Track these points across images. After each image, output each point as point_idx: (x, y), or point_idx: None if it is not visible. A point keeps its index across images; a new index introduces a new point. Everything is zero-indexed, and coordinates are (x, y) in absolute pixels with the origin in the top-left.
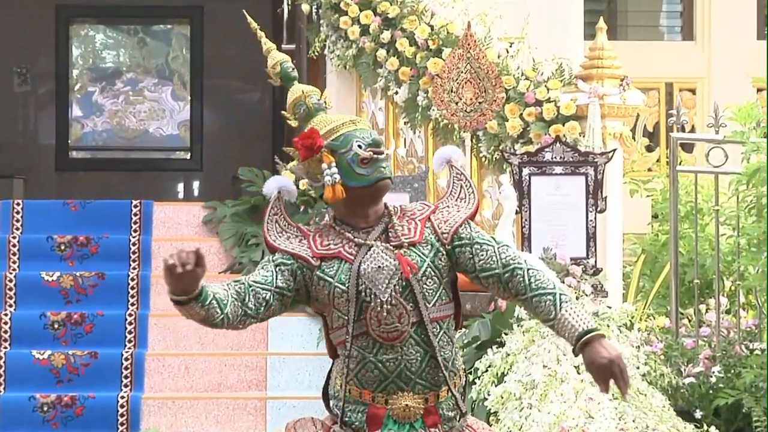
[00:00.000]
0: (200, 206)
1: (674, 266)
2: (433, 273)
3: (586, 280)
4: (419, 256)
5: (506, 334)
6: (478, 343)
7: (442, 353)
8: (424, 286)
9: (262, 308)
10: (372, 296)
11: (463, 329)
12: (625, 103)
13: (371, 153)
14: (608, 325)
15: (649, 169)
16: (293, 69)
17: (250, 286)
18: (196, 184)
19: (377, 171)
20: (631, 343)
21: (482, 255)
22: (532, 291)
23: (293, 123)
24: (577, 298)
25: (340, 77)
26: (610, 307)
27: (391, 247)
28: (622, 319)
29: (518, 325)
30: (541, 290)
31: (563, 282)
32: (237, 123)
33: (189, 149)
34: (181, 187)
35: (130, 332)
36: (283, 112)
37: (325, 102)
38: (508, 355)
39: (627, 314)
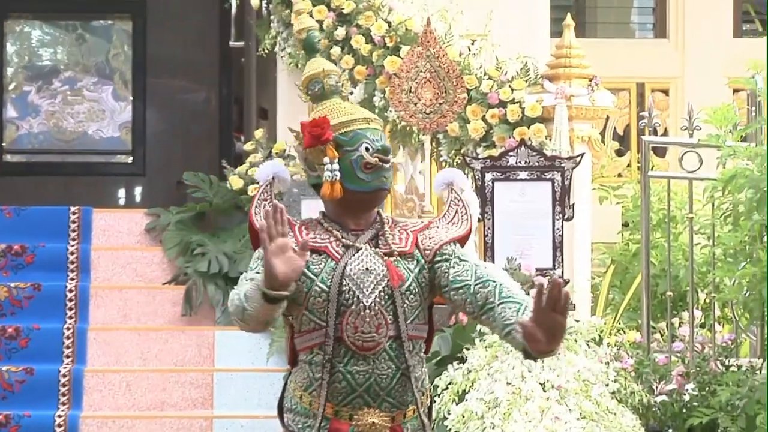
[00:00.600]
0: (143, 213)
1: (645, 277)
2: (416, 289)
3: None
4: (405, 270)
5: (468, 349)
6: (438, 358)
7: (414, 372)
8: (406, 301)
9: None
10: (354, 299)
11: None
12: (594, 105)
13: (377, 159)
14: (576, 340)
15: (619, 175)
16: (319, 41)
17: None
18: (138, 190)
19: (378, 179)
20: (600, 359)
21: (458, 268)
22: (500, 299)
23: (304, 99)
24: None
25: (292, 76)
26: (577, 321)
27: (381, 254)
28: (591, 333)
29: (480, 340)
30: (509, 299)
31: (528, 293)
32: (182, 124)
33: (131, 152)
34: (122, 192)
35: (68, 347)
36: (297, 84)
37: (342, 86)
38: (470, 371)
39: (596, 328)
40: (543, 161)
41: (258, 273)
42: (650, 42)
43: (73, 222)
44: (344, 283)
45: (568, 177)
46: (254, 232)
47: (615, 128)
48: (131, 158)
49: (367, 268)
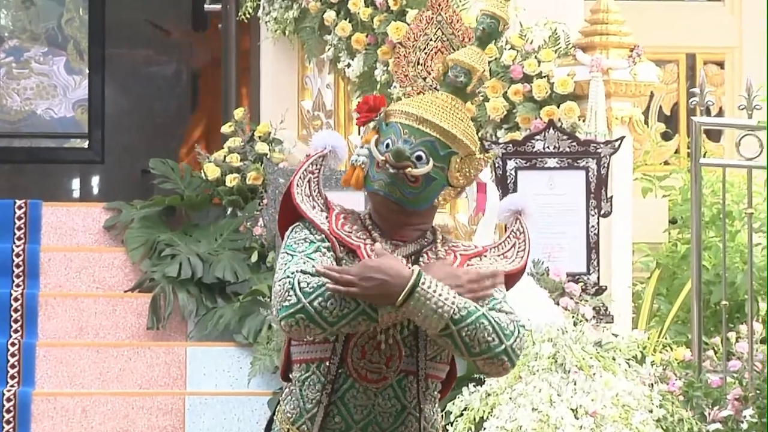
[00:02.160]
0: (101, 208)
1: (696, 284)
2: None
3: (586, 301)
4: None
5: None
6: None
7: (424, 413)
8: (428, 335)
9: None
10: (369, 319)
11: None
12: (636, 80)
13: (384, 160)
14: (614, 358)
15: (666, 163)
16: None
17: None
18: (95, 180)
19: (380, 182)
20: (642, 381)
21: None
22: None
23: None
24: (575, 324)
25: (278, 46)
26: (616, 336)
27: None
28: (632, 350)
29: None
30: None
31: (557, 304)
32: (148, 103)
33: (87, 136)
34: (77, 183)
35: (12, 366)
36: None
37: (468, 82)
38: (489, 395)
39: (637, 344)
40: (575, 146)
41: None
42: (703, 5)
43: (19, 218)
44: None
45: (605, 165)
46: (287, 210)
47: (660, 107)
48: (87, 143)
49: None
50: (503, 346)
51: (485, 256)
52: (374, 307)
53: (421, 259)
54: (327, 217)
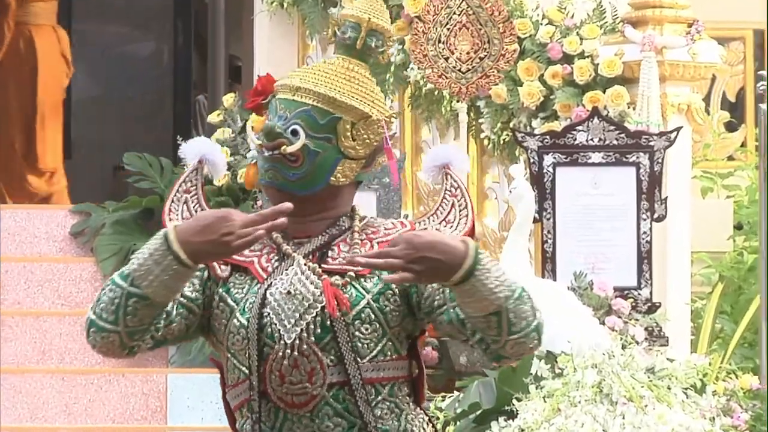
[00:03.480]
0: (67, 211)
1: (766, 300)
2: (372, 317)
3: (636, 320)
4: (356, 290)
5: (519, 399)
6: (479, 412)
7: (379, 426)
8: (357, 333)
9: (162, 321)
10: (276, 336)
11: (457, 392)
12: (695, 60)
13: (260, 144)
14: (669, 387)
15: (730, 158)
16: None
17: None
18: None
19: (267, 173)
20: (702, 413)
21: None
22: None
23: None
24: (623, 348)
25: (275, 20)
26: (672, 361)
27: (318, 269)
28: (690, 377)
29: (537, 387)
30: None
31: (603, 323)
32: (121, 88)
33: None
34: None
35: None
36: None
37: (356, 37)
38: (523, 430)
39: (697, 370)
40: (624, 138)
41: None
42: None
43: None
44: (265, 314)
45: (659, 160)
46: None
47: (724, 92)
48: None
49: (288, 291)
50: (537, 321)
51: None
52: (137, 282)
53: (330, 253)
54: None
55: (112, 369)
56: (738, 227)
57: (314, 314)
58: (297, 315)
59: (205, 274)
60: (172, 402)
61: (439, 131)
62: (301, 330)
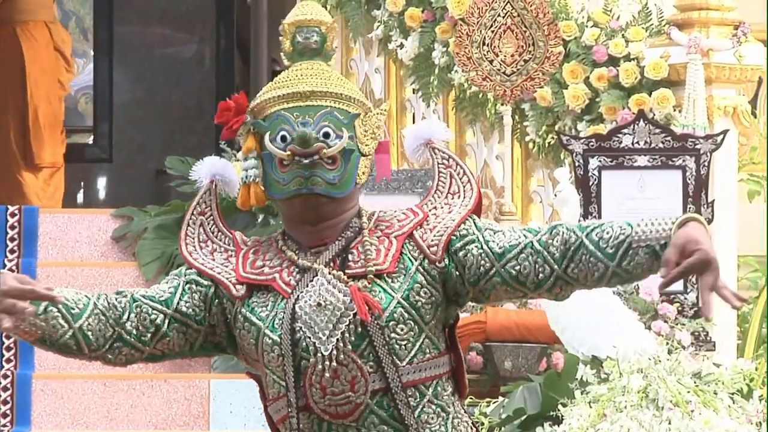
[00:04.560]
0: (109, 215)
1: None
2: (406, 315)
3: (683, 325)
4: (385, 291)
5: (564, 405)
6: (524, 418)
7: (431, 427)
8: (392, 335)
9: (150, 335)
10: (312, 349)
11: (502, 398)
12: (742, 63)
13: (290, 153)
14: (716, 392)
15: None
16: None
17: (135, 301)
18: (102, 182)
19: (295, 181)
20: (749, 419)
21: (498, 238)
22: (589, 228)
23: (286, 43)
24: (669, 353)
25: None
26: (718, 366)
27: (344, 277)
28: (737, 383)
29: (582, 392)
30: (601, 225)
31: (649, 328)
32: (164, 91)
33: (92, 130)
34: (80, 185)
35: (5, 402)
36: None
37: (324, 40)
38: None
39: (743, 375)
40: (670, 141)
41: (136, 289)
42: None
43: (12, 227)
44: (297, 329)
45: (706, 164)
46: (182, 256)
47: None
48: (92, 137)
49: (318, 303)
50: None
51: (432, 213)
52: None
53: (350, 257)
54: (232, 257)
55: (155, 375)
56: None
57: (347, 322)
58: (330, 326)
59: (210, 291)
60: (214, 407)
61: (483, 134)
62: (337, 340)
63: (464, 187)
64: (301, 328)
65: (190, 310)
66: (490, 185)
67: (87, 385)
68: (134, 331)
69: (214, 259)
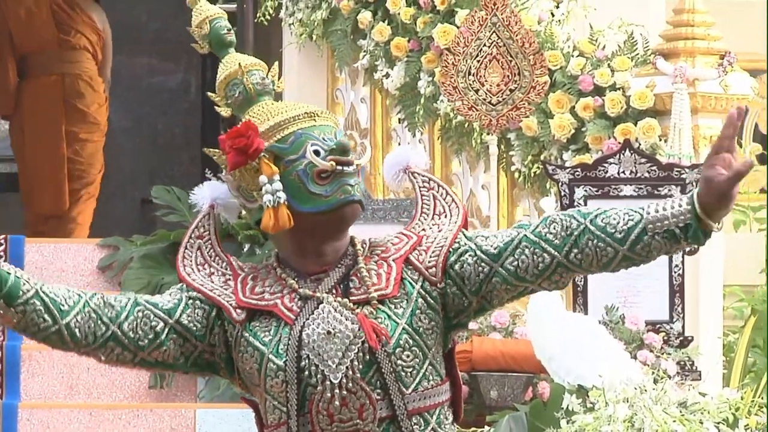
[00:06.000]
0: (95, 244)
1: None
2: (411, 342)
3: (669, 355)
4: (389, 318)
5: None
6: None
7: None
8: (399, 362)
9: (147, 341)
10: (320, 377)
11: (487, 427)
12: (727, 92)
13: (333, 163)
14: (701, 422)
15: (762, 191)
16: (229, 31)
17: (137, 304)
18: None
19: (341, 190)
20: None
21: (490, 241)
22: (592, 213)
23: (224, 111)
24: (655, 382)
25: (304, 52)
26: (704, 395)
27: (350, 304)
28: (723, 412)
29: (568, 422)
30: (605, 209)
31: (635, 357)
32: (149, 120)
33: None
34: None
35: None
36: (210, 94)
37: (273, 82)
38: None
39: (729, 405)
40: (656, 171)
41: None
42: None
43: None
44: (303, 356)
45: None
46: (180, 278)
47: (756, 125)
48: None
49: (328, 332)
50: None
51: (426, 231)
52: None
53: (351, 284)
54: (230, 281)
55: (140, 404)
56: None
57: (356, 350)
58: (340, 354)
59: (213, 311)
60: None
61: (469, 164)
62: (346, 368)
63: (449, 206)
64: (308, 355)
65: (191, 324)
66: (476, 215)
67: (73, 415)
68: (131, 333)
69: (213, 282)
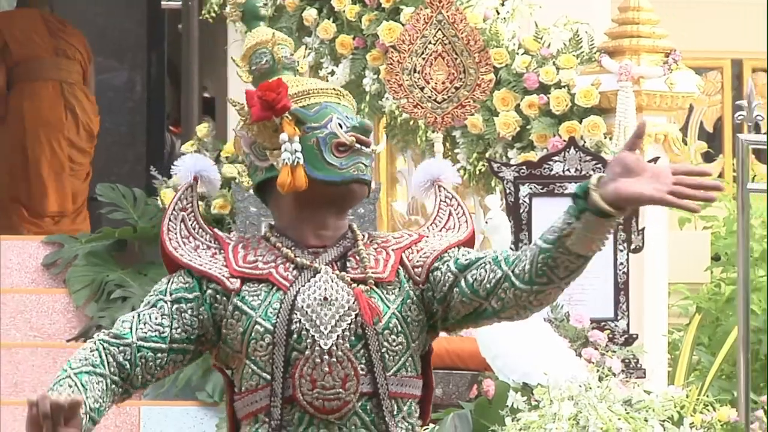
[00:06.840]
0: (39, 242)
1: (744, 332)
2: (399, 328)
3: (614, 352)
4: (382, 301)
5: (495, 431)
6: None
7: None
8: (386, 343)
9: (153, 378)
10: (309, 341)
11: (432, 425)
12: (672, 90)
13: (354, 139)
14: (646, 419)
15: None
16: (264, 5)
17: (139, 351)
18: None
19: (355, 167)
20: None
21: (471, 255)
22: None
23: (244, 76)
24: (600, 380)
25: None
26: (649, 393)
27: (348, 278)
28: (668, 410)
29: (513, 420)
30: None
31: (579, 355)
32: None
33: None
34: None
35: None
36: (233, 58)
37: (298, 63)
38: None
39: (674, 403)
40: (601, 169)
41: (132, 332)
42: (750, 3)
43: None
44: (294, 320)
45: None
46: (166, 254)
47: (702, 123)
48: None
49: (325, 298)
50: None
51: (426, 238)
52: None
53: (348, 263)
54: (220, 253)
55: None
56: (715, 258)
57: (349, 321)
58: (333, 321)
59: (198, 301)
60: None
61: (414, 161)
62: (338, 336)
63: (460, 225)
64: (300, 319)
65: (184, 334)
66: (421, 212)
67: (18, 412)
68: (140, 379)
69: (200, 256)
